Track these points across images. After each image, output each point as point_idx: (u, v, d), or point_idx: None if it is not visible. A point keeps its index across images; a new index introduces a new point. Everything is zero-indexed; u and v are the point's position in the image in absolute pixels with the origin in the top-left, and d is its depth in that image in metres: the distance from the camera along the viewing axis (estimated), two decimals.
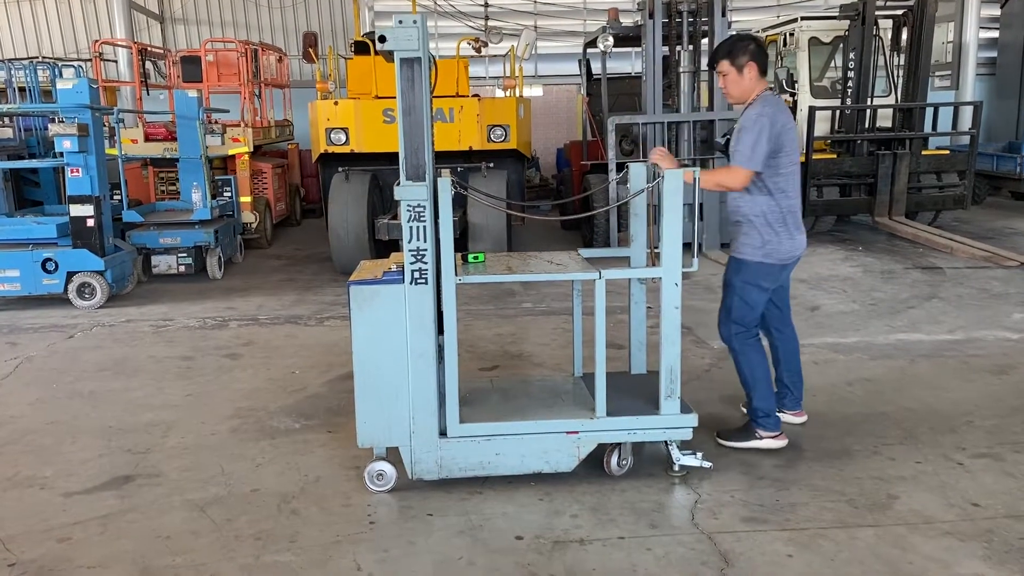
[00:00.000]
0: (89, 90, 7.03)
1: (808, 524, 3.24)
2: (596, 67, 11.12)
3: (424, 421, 3.48)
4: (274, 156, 12.46)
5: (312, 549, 3.15)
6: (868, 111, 10.05)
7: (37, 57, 13.80)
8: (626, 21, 10.21)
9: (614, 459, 3.63)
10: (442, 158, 8.20)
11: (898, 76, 10.37)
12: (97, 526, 3.36)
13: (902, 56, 10.24)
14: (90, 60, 11.54)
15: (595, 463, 3.63)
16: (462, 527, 3.28)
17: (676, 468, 3.63)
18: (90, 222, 7.14)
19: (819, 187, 9.86)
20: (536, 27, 14.60)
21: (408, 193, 3.32)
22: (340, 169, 8.60)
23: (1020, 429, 4.15)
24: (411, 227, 3.34)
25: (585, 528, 3.24)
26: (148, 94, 11.39)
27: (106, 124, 9.18)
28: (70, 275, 7.20)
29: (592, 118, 10.93)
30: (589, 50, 11.21)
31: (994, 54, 16.70)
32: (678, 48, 9.12)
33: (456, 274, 3.42)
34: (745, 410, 4.34)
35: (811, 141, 9.60)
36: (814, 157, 9.69)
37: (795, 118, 5.17)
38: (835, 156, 10.03)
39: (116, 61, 14.05)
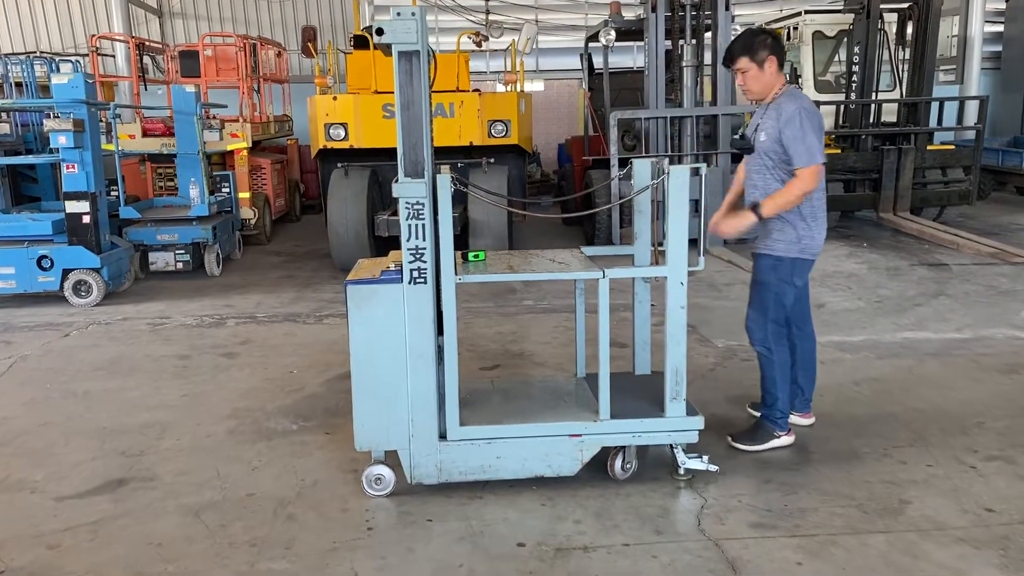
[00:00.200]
0: (85, 85, 6.94)
1: (818, 530, 3.16)
2: (598, 61, 11.02)
3: (423, 424, 3.40)
4: (273, 152, 12.36)
5: (308, 556, 3.07)
6: (873, 106, 9.94)
7: (35, 52, 13.70)
8: (628, 15, 10.11)
9: (618, 463, 3.55)
10: (442, 153, 8.12)
11: (903, 70, 10.28)
12: (88, 532, 3.28)
13: (907, 50, 10.14)
14: (88, 55, 11.42)
15: (598, 467, 3.54)
16: (462, 533, 3.20)
17: (681, 472, 3.55)
18: (86, 219, 7.06)
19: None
20: (537, 21, 14.49)
21: (406, 190, 3.23)
22: (339, 165, 8.52)
23: None
24: (410, 225, 3.25)
25: (589, 534, 3.16)
26: (146, 89, 11.30)
27: (103, 119, 9.09)
28: (66, 272, 7.11)
29: (594, 113, 10.84)
30: (591, 44, 11.11)
31: (999, 48, 16.57)
32: (681, 42, 9.03)
33: (456, 273, 3.34)
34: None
35: None
36: None
37: None
38: (839, 151, 9.92)
39: (114, 56, 13.95)
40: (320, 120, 8.42)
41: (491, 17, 12.93)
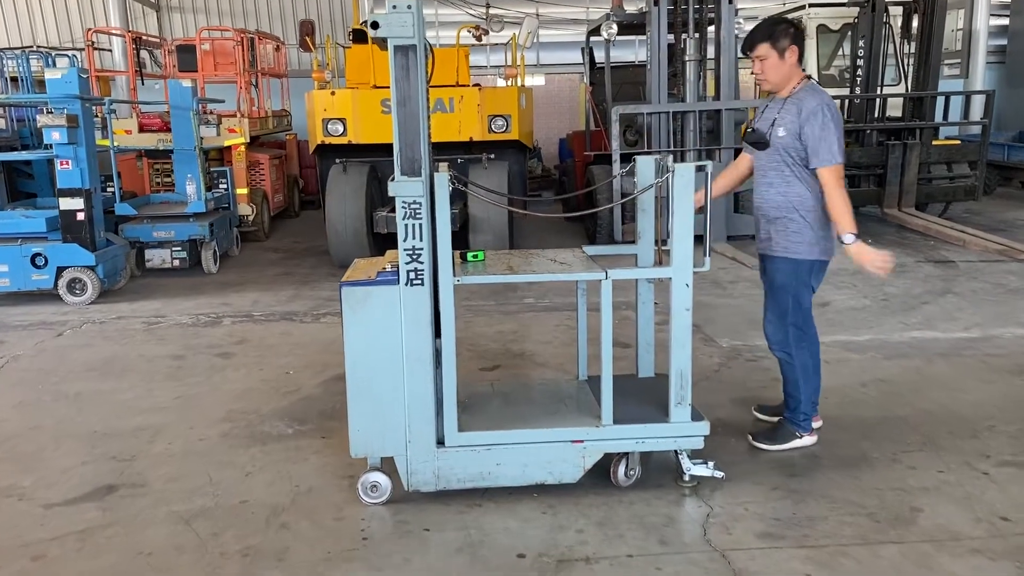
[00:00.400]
0: (79, 80, 6.82)
1: (827, 540, 3.06)
2: (599, 55, 10.90)
3: (420, 430, 3.30)
4: (272, 147, 12.26)
5: (301, 567, 2.97)
6: (877, 100, 9.82)
7: (31, 46, 13.58)
8: (630, 8, 10.00)
9: (621, 469, 3.44)
10: (442, 149, 8.02)
11: (908, 64, 10.16)
12: (75, 541, 3.18)
13: (912, 44, 10.02)
14: (84, 49, 11.32)
15: (601, 473, 3.44)
16: (460, 543, 3.09)
17: (686, 478, 3.44)
18: (80, 216, 6.95)
19: None
20: (538, 15, 14.29)
21: (403, 189, 3.12)
22: (338, 160, 8.41)
23: None
24: (406, 225, 3.14)
25: (591, 545, 3.06)
26: (143, 84, 11.19)
27: (99, 114, 8.98)
28: (60, 270, 7.01)
29: (595, 108, 10.72)
30: (592, 38, 10.98)
31: (1004, 42, 16.43)
32: (684, 36, 8.89)
33: (454, 274, 3.23)
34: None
35: None
36: None
37: None
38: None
39: (111, 50, 13.82)
40: (318, 115, 8.31)
41: (491, 11, 12.78)
